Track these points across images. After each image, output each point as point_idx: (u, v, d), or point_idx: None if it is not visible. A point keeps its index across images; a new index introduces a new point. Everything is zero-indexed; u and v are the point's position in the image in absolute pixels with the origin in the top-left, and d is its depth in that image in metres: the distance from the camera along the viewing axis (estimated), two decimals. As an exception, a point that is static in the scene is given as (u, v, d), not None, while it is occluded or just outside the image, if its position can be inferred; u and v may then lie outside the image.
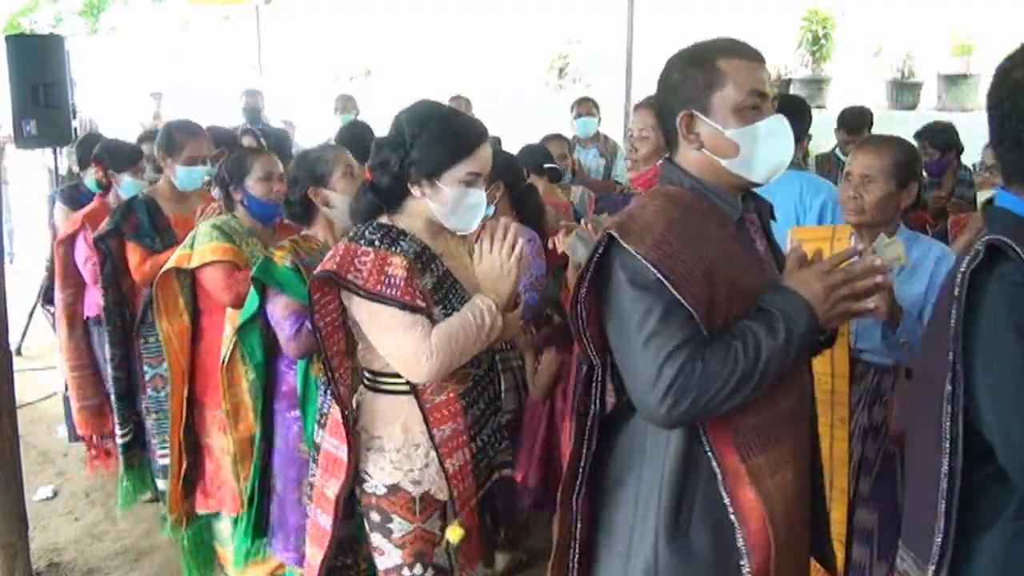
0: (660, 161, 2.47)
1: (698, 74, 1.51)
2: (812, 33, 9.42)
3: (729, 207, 1.55)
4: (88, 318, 3.72)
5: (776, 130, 1.52)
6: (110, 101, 10.95)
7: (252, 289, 2.46)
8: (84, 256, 3.57)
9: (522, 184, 3.07)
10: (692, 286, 1.41)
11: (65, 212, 4.15)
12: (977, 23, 9.11)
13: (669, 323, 1.40)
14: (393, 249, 1.89)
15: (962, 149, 4.51)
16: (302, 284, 2.29)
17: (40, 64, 4.99)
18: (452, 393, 1.99)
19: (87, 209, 3.71)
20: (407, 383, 1.96)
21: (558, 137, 4.60)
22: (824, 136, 5.94)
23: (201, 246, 2.80)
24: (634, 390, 1.45)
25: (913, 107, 9.21)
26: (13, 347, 3.39)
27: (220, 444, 2.85)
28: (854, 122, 4.95)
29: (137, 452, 3.44)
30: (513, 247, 1.91)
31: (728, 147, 1.51)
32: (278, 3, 9.69)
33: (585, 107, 5.59)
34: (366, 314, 1.89)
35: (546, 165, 3.76)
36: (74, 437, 4.19)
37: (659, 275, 1.40)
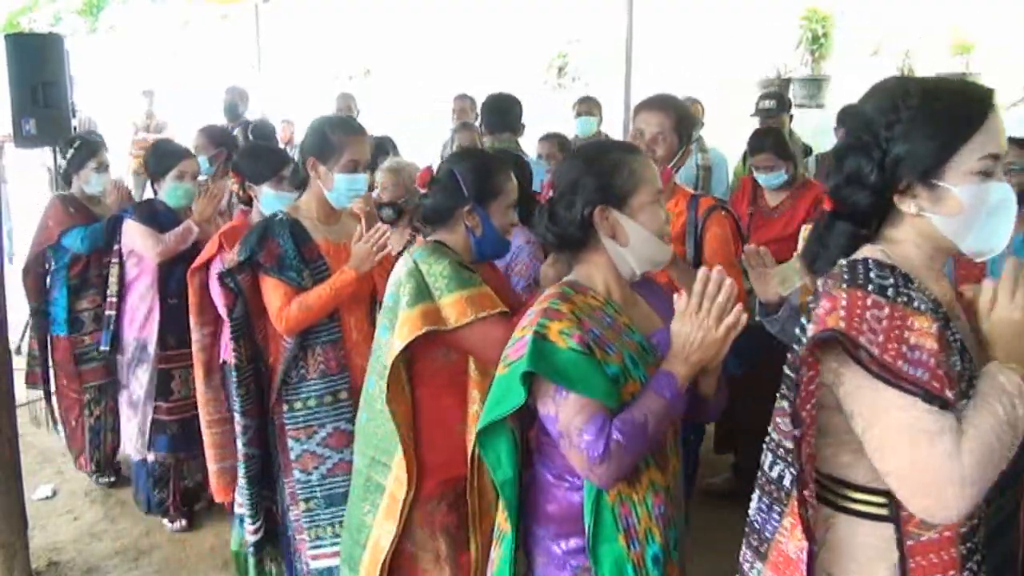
0: (671, 164, 2.45)
1: None
2: (811, 32, 9.40)
3: None
4: (224, 363, 2.94)
5: None
6: (109, 100, 10.94)
7: (512, 381, 1.57)
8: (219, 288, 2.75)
9: (530, 186, 2.93)
10: None
11: (145, 233, 3.48)
12: (977, 22, 9.10)
13: None
14: (912, 305, 1.24)
15: None
16: (599, 375, 1.53)
17: (39, 63, 5.00)
18: (949, 532, 1.29)
19: (226, 227, 2.96)
20: (889, 502, 1.29)
21: (549, 137, 4.75)
22: (824, 135, 5.93)
23: (451, 297, 2.01)
24: None
25: (913, 106, 9.21)
26: (12, 346, 3.37)
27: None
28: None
29: (271, 552, 2.71)
30: None
31: None
32: (277, 2, 9.68)
33: (586, 107, 5.62)
34: (867, 400, 1.24)
35: None
36: (155, 507, 3.68)
37: None
